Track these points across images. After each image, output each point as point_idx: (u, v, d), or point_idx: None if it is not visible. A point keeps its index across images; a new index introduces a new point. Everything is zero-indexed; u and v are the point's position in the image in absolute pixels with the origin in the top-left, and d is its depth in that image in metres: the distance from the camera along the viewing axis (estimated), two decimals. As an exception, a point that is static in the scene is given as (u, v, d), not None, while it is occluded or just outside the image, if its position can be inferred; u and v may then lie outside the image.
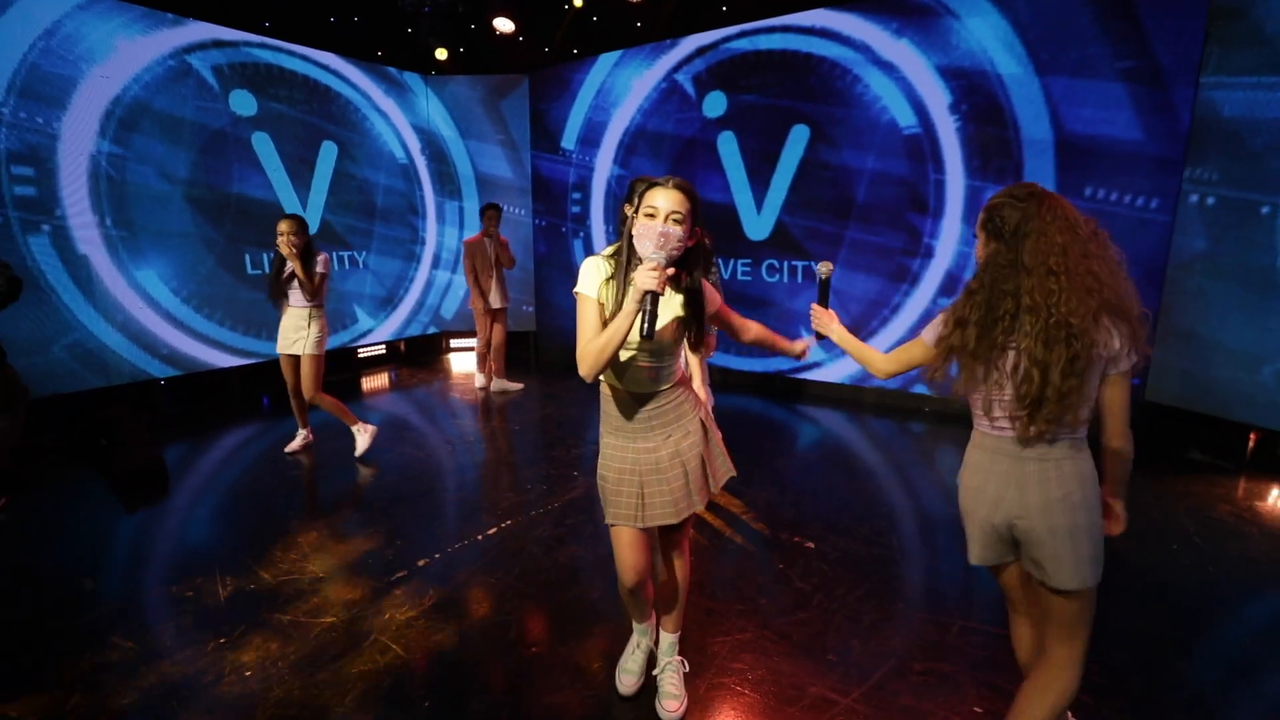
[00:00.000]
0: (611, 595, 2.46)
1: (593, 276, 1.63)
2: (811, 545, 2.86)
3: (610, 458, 1.75)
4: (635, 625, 2.02)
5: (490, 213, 5.55)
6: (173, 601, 2.50)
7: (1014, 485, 1.43)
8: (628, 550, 1.73)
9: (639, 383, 1.68)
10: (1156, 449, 4.13)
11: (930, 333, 1.60)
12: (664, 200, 1.54)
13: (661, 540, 1.93)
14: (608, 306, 1.61)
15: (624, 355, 1.63)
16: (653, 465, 1.71)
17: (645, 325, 1.46)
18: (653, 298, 1.46)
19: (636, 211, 1.58)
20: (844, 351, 1.96)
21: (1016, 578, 1.60)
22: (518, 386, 5.86)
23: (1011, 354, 1.38)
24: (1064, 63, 4.26)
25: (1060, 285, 1.30)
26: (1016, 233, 1.38)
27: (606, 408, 1.76)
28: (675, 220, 1.53)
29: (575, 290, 1.65)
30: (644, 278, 1.45)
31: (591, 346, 1.55)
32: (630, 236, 1.56)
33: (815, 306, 1.96)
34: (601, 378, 1.68)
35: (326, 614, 2.35)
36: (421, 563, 2.73)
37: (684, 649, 2.12)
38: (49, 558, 2.87)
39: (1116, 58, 4.08)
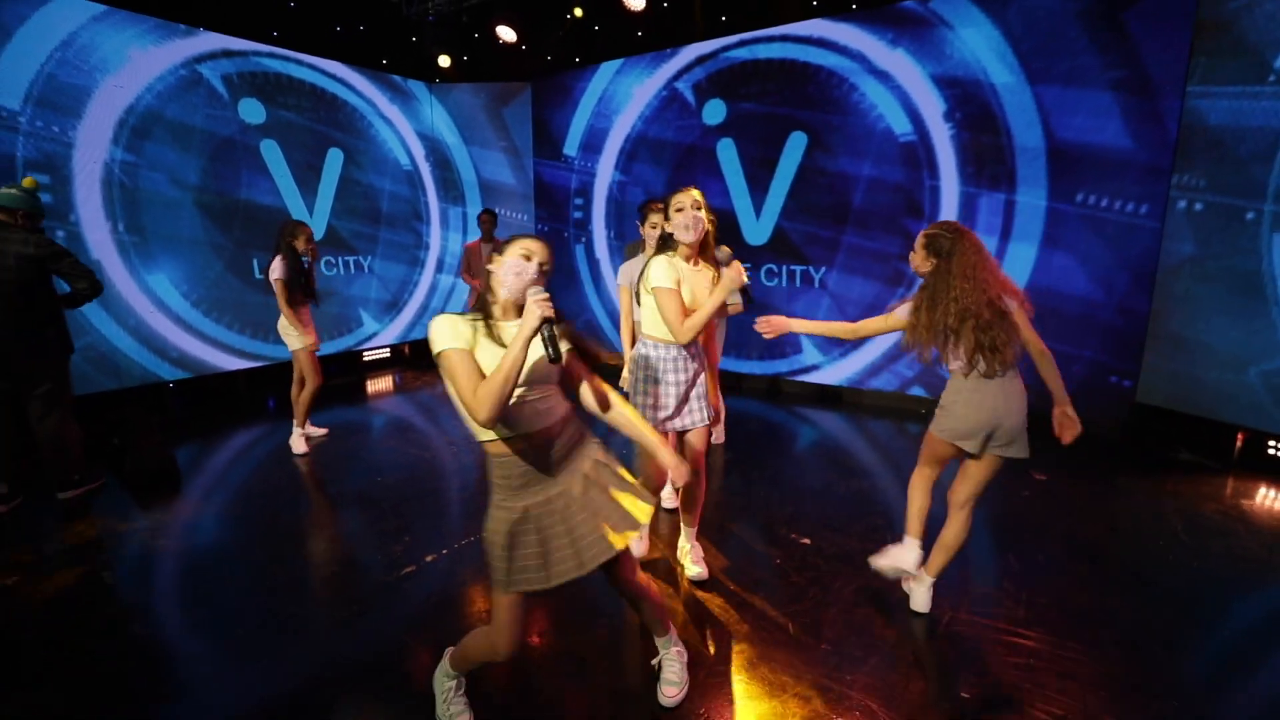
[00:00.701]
0: (611, 594, 2.55)
1: (453, 331, 1.54)
2: (808, 541, 2.95)
3: (516, 523, 1.64)
4: (658, 640, 2.00)
5: (483, 218, 5.94)
6: (187, 599, 2.58)
7: (1001, 400, 2.23)
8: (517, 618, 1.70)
9: (537, 419, 1.60)
10: (1146, 449, 4.22)
11: (901, 310, 2.31)
12: (534, 245, 1.60)
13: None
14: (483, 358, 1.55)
15: (514, 397, 1.55)
16: (570, 504, 1.64)
17: (550, 350, 1.46)
18: (549, 323, 1.46)
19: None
20: (814, 338, 2.55)
21: (954, 457, 2.43)
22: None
23: (962, 326, 2.15)
24: (1055, 73, 4.37)
25: (971, 285, 2.12)
26: (949, 254, 2.16)
27: (506, 471, 1.65)
28: (538, 264, 1.58)
29: (437, 352, 1.53)
30: (537, 307, 1.45)
31: (488, 387, 1.46)
32: (495, 280, 1.64)
33: (765, 319, 2.36)
34: (489, 449, 1.64)
35: (337, 609, 2.44)
36: (430, 558, 2.82)
37: (682, 639, 2.21)
38: (69, 555, 2.96)
39: (1106, 68, 4.19)
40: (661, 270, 2.23)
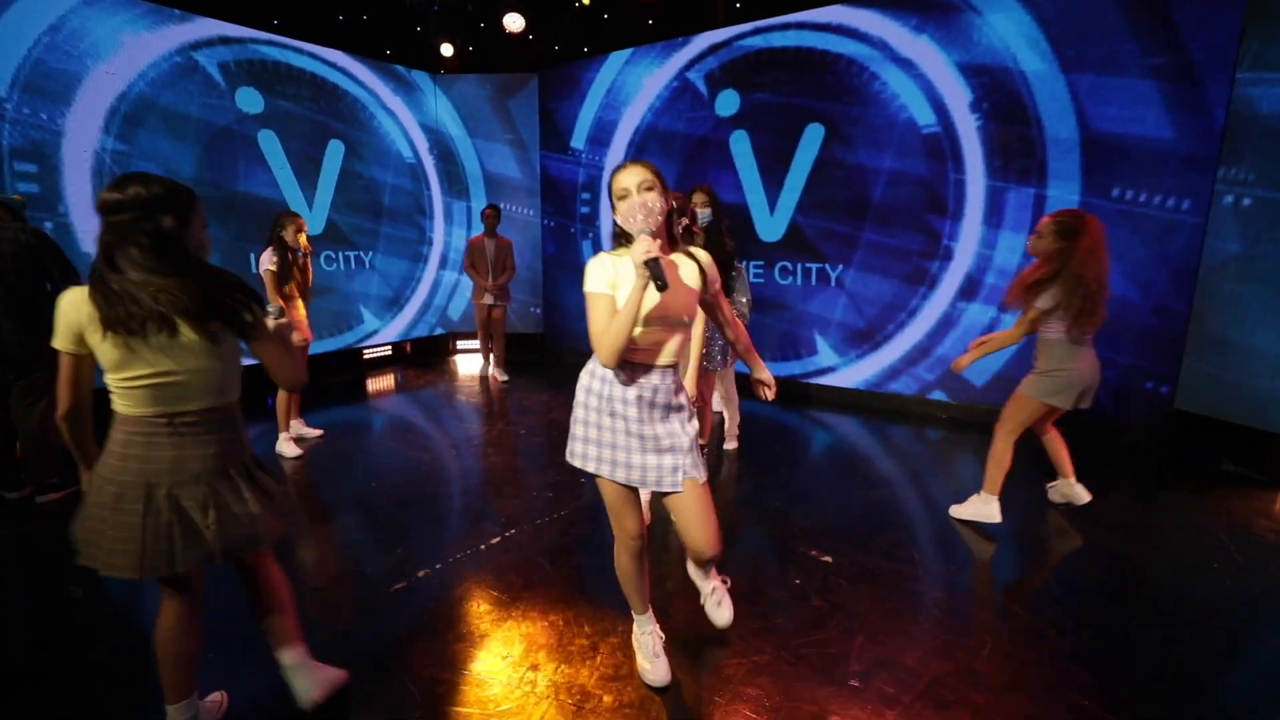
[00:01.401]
0: (620, 610, 2.35)
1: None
2: (829, 559, 2.73)
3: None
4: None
5: (487, 213, 5.97)
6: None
7: (1095, 361, 2.87)
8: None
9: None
10: (1187, 459, 3.97)
11: (1043, 300, 2.81)
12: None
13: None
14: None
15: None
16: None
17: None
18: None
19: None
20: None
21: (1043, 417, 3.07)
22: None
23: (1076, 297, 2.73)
24: (1090, 59, 4.12)
25: (1095, 261, 2.72)
26: (1077, 235, 2.70)
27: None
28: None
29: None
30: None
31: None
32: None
33: (956, 362, 3.17)
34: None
35: (321, 630, 2.25)
36: (422, 573, 2.62)
37: (697, 672, 2.01)
38: (52, 559, 2.79)
39: (1145, 54, 3.94)
40: (592, 271, 1.69)
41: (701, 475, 1.79)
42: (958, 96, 4.60)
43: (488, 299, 5.97)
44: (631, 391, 1.73)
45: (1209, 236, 3.90)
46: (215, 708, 1.84)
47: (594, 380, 1.81)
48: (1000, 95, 4.44)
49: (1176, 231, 4.00)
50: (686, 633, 2.23)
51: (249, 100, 5.48)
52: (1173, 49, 3.86)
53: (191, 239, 1.55)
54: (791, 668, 2.03)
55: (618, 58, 6.31)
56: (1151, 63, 3.92)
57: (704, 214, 3.26)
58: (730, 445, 4.22)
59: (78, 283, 3.23)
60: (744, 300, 3.47)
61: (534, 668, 2.04)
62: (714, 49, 5.67)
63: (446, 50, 6.46)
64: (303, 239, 3.85)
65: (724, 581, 2.14)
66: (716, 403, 5.10)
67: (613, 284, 1.68)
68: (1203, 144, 3.85)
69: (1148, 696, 1.92)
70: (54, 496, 3.34)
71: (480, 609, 2.37)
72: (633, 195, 1.64)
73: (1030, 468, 3.82)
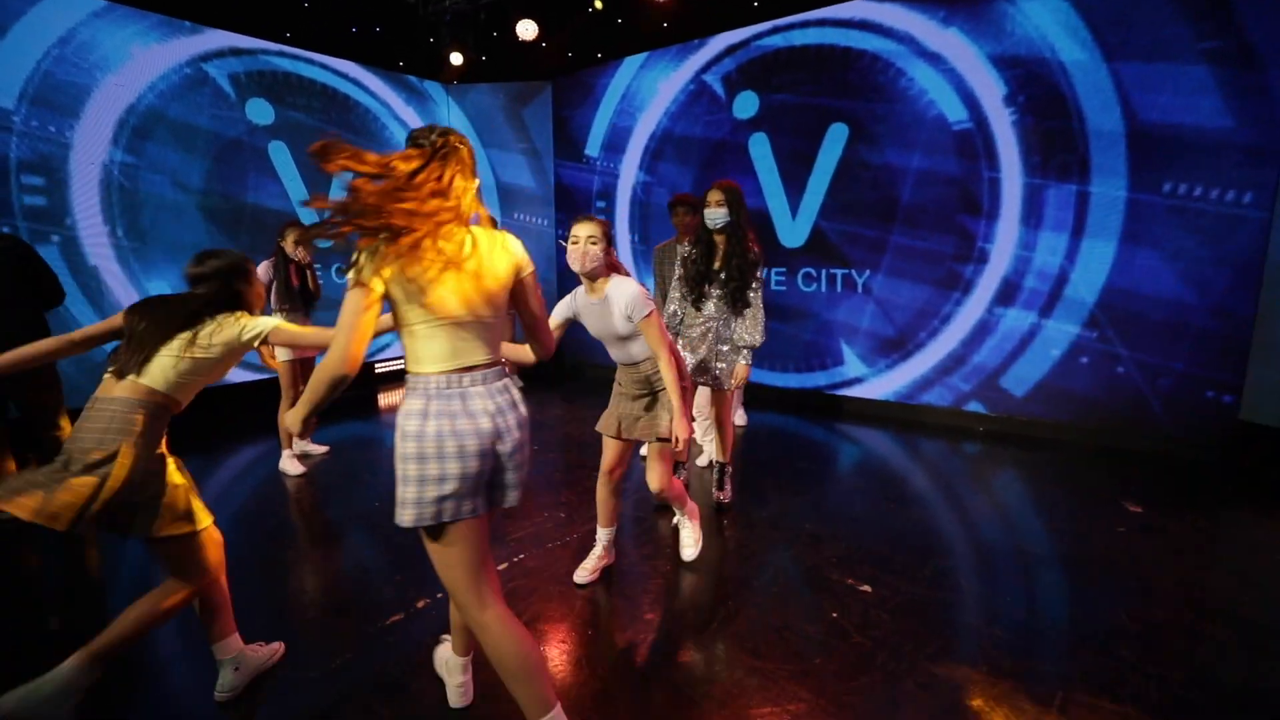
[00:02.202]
0: (639, 645, 2.11)
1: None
2: (868, 589, 2.47)
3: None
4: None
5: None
6: (136, 648, 2.22)
7: None
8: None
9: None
10: (1254, 475, 3.63)
11: None
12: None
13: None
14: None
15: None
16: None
17: None
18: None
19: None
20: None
21: None
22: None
23: None
24: (1135, 46, 3.86)
25: None
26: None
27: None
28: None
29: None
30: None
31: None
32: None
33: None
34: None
35: (308, 668, 2.04)
36: (421, 603, 2.41)
37: (723, 716, 1.77)
38: (35, 576, 2.63)
39: (1198, 38, 3.67)
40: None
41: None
42: (990, 90, 4.36)
43: None
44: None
45: (1275, 231, 3.59)
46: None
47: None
48: (1037, 87, 4.19)
49: (1238, 227, 3.70)
50: (711, 673, 1.99)
51: (259, 112, 5.42)
52: (1229, 32, 3.59)
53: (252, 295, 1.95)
54: (833, 717, 1.77)
55: (632, 62, 6.17)
56: (1205, 47, 3.65)
57: (717, 215, 3.02)
58: (725, 499, 3.33)
59: (60, 291, 3.25)
60: (746, 339, 3.03)
61: (540, 716, 1.81)
62: (731, 50, 5.50)
63: (456, 59, 6.37)
64: (301, 250, 3.72)
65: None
66: (740, 417, 4.86)
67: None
68: (1266, 132, 3.56)
69: (1256, 759, 1.63)
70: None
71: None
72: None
73: (1105, 486, 3.52)
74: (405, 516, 1.41)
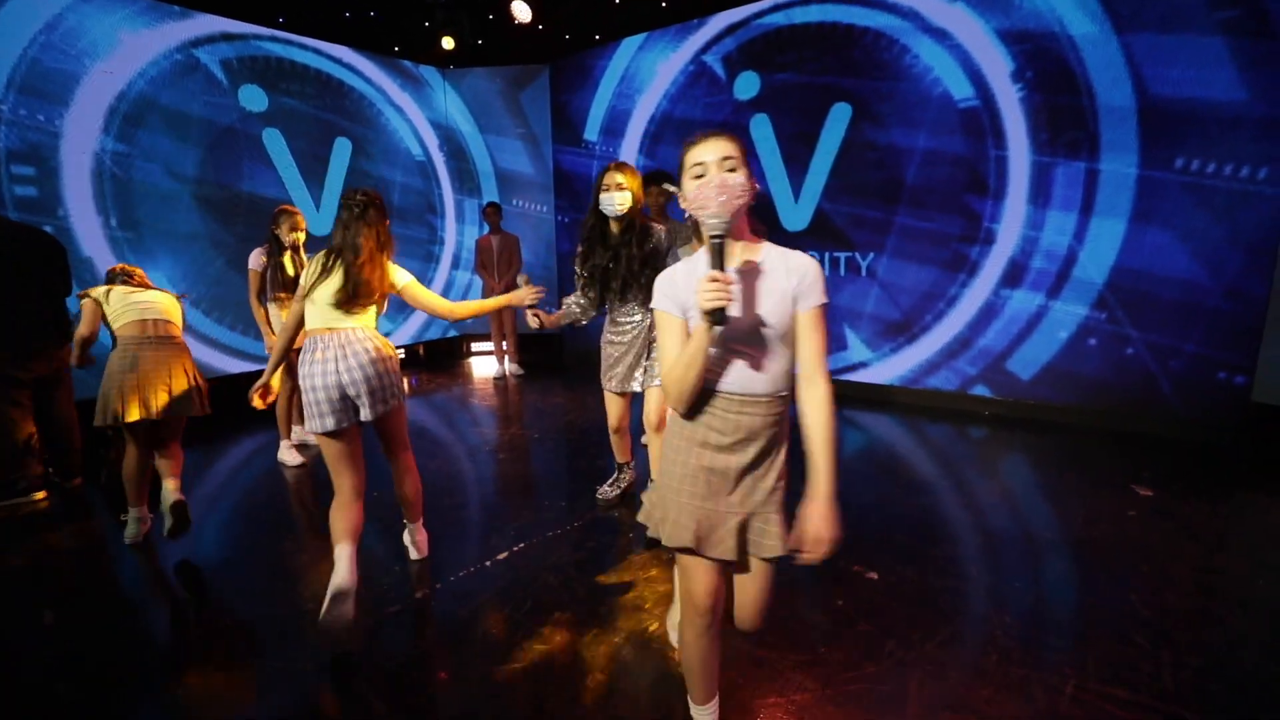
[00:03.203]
0: (641, 634, 2.07)
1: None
2: (875, 576, 2.43)
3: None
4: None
5: (487, 211, 6.01)
6: (131, 637, 2.19)
7: None
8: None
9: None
10: (1268, 457, 3.57)
11: None
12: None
13: None
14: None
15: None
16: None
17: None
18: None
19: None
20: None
21: None
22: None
23: None
24: (1148, 17, 3.75)
25: None
26: None
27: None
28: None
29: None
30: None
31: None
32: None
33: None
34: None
35: (305, 660, 2.01)
36: (420, 594, 2.38)
37: (725, 708, 1.73)
38: (37, 571, 2.61)
39: (1213, 7, 3.56)
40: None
41: None
42: (997, 66, 4.25)
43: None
44: None
45: (1291, 208, 3.50)
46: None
47: None
48: (1045, 63, 4.08)
49: (1252, 204, 3.60)
50: (720, 668, 1.95)
51: (253, 98, 5.33)
52: (1243, 0, 3.48)
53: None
54: (840, 710, 1.73)
55: (630, 44, 6.05)
56: (1220, 17, 3.54)
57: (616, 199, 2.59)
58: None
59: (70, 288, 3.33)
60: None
61: (537, 704, 1.78)
62: (731, 29, 5.38)
63: (448, 44, 6.27)
64: (299, 237, 3.66)
65: None
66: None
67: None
68: (1282, 105, 3.46)
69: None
70: (78, 481, 3.56)
71: (481, 635, 2.11)
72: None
73: (1115, 470, 3.47)
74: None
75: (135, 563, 2.76)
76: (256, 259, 3.60)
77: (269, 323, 3.72)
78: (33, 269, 3.33)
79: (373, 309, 2.30)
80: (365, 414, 2.21)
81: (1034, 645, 2.00)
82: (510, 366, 6.26)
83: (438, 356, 7.19)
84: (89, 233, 4.51)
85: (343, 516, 2.20)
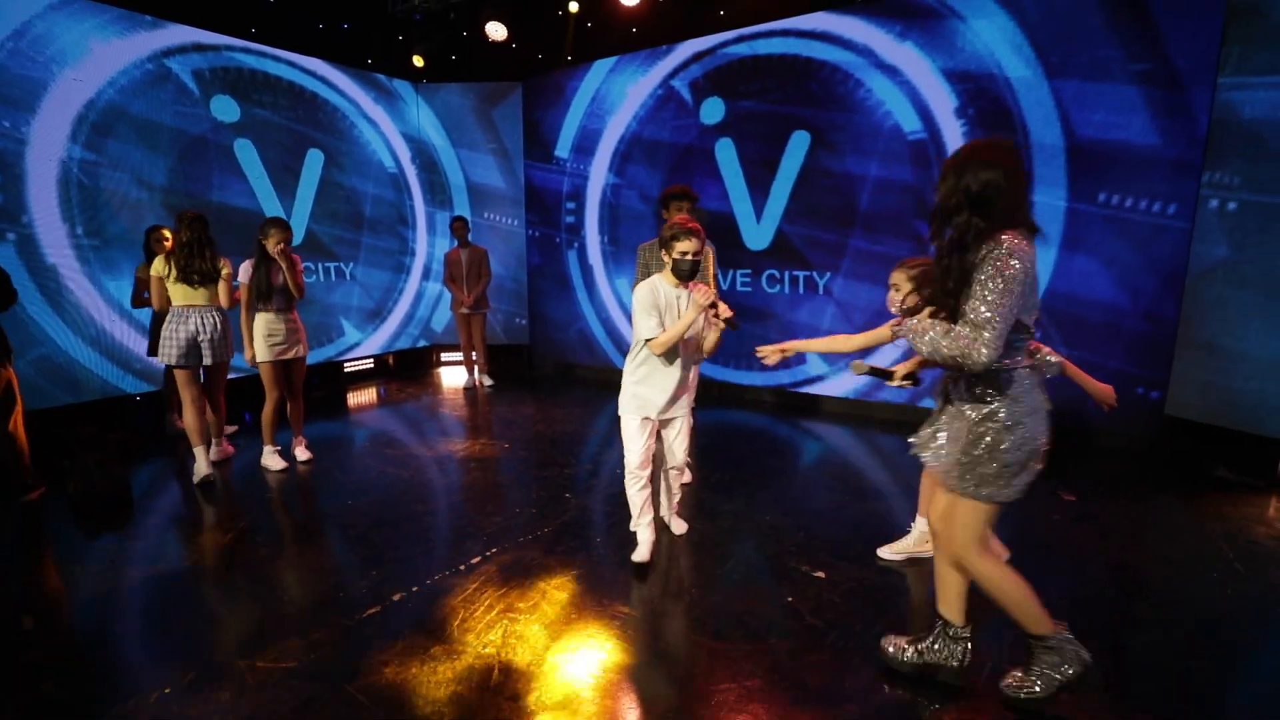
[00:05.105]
0: (607, 631, 2.23)
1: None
2: (822, 575, 2.64)
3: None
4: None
5: (455, 225, 6.12)
6: (112, 644, 2.25)
7: None
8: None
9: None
10: (1178, 465, 3.93)
11: None
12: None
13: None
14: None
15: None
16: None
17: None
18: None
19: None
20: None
21: None
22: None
23: None
24: (1075, 66, 4.12)
25: None
26: None
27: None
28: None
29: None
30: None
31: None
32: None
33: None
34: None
35: (287, 658, 2.11)
36: (397, 597, 2.49)
37: (684, 696, 1.90)
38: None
39: (1130, 60, 3.94)
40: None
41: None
42: (943, 102, 4.59)
43: (464, 308, 6.03)
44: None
45: (1196, 241, 3.89)
46: None
47: None
48: (985, 101, 4.43)
49: (1164, 236, 3.99)
50: (675, 655, 2.13)
51: (224, 109, 5.36)
52: (1156, 55, 3.87)
53: None
54: (785, 692, 1.92)
55: (602, 66, 6.26)
56: (1136, 69, 3.92)
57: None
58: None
59: (11, 291, 3.27)
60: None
61: (513, 698, 1.92)
62: (698, 57, 5.64)
63: (419, 62, 6.41)
64: (281, 248, 3.70)
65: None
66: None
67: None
68: (1188, 149, 3.85)
69: (1153, 710, 1.83)
70: (34, 496, 3.50)
71: (458, 633, 2.24)
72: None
73: (1042, 477, 3.75)
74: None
75: (110, 565, 2.79)
76: (246, 271, 3.66)
77: (251, 334, 3.76)
78: None
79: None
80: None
81: (961, 634, 2.22)
82: (481, 379, 6.34)
83: (407, 366, 7.23)
84: (54, 241, 4.48)
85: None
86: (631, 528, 2.77)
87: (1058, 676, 1.80)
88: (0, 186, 4.23)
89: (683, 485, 3.16)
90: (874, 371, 2.13)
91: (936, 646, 1.95)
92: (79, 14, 4.50)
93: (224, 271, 3.67)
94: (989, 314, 1.59)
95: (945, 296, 1.71)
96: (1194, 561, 2.78)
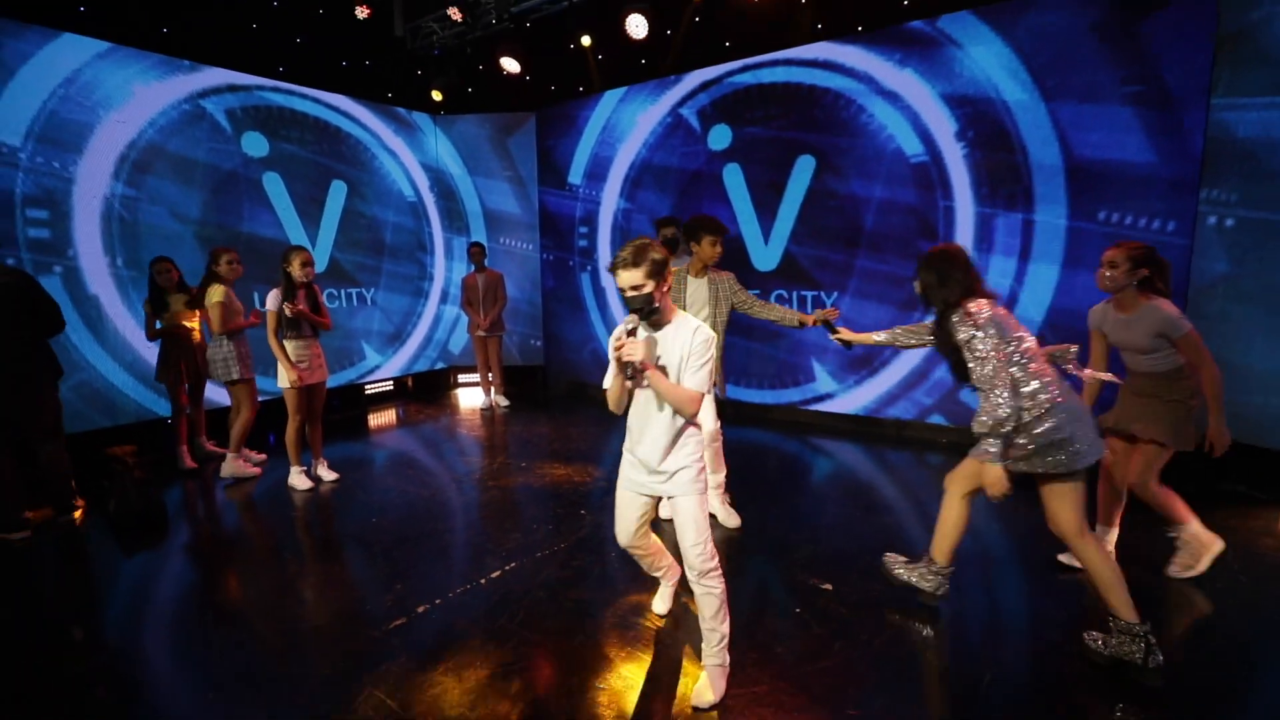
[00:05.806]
0: (622, 642, 2.34)
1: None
2: (829, 587, 2.72)
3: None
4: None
5: (472, 250, 6.31)
6: (153, 656, 2.40)
7: None
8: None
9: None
10: (1185, 478, 3.94)
11: None
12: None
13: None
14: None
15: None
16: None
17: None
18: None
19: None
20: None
21: None
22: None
23: None
24: (1070, 88, 4.24)
25: None
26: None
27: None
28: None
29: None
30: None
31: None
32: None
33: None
34: None
35: (320, 666, 2.24)
36: (421, 609, 2.62)
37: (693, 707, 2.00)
38: (41, 602, 2.79)
39: (1123, 82, 4.05)
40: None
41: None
42: (943, 126, 4.72)
43: (480, 331, 6.20)
44: None
45: (1196, 257, 3.95)
46: None
47: None
48: (984, 124, 4.56)
49: (1164, 253, 4.00)
50: (689, 670, 2.22)
51: (254, 144, 5.64)
52: (1149, 78, 3.98)
53: None
54: (791, 698, 2.01)
55: (612, 96, 6.49)
56: (1129, 91, 4.03)
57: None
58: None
59: (61, 320, 3.47)
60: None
61: (532, 705, 2.03)
62: (705, 86, 5.84)
63: (437, 96, 6.71)
64: (307, 273, 3.89)
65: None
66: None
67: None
68: (1184, 167, 3.94)
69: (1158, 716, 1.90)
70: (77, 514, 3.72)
71: (479, 644, 2.36)
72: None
73: (1029, 488, 3.81)
74: None
75: (141, 578, 2.95)
76: (274, 299, 3.85)
77: (289, 358, 3.91)
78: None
79: None
80: None
81: (964, 643, 2.31)
82: (497, 399, 6.50)
83: (425, 388, 7.42)
84: (96, 271, 4.73)
85: None
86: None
87: (1126, 657, 2.04)
88: (49, 223, 4.50)
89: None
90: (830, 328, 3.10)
91: (923, 571, 2.50)
92: (123, 61, 4.81)
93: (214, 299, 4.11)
94: (989, 371, 2.01)
95: (947, 357, 2.35)
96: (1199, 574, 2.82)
